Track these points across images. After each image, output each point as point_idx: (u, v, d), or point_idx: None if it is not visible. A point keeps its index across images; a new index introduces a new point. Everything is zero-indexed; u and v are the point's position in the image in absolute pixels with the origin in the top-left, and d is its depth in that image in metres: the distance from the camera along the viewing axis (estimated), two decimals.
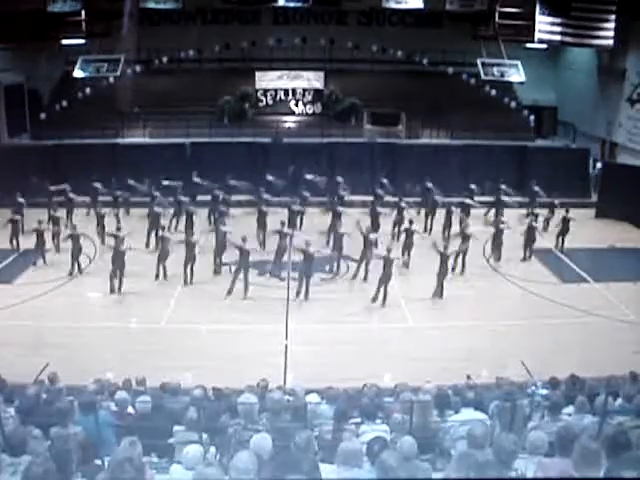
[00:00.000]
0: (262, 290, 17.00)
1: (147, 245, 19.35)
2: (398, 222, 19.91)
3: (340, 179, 22.21)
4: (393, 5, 26.98)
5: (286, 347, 13.93)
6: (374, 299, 16.08)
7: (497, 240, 18.50)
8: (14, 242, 18.98)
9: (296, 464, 4.92)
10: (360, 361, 13.02)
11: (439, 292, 16.32)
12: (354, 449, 5.03)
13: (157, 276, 17.31)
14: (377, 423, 6.84)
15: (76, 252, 17.55)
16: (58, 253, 18.73)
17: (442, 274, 16.30)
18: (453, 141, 26.55)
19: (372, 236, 17.78)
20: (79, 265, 17.67)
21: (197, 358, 13.04)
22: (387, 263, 15.82)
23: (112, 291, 16.42)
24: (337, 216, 19.42)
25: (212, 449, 6.24)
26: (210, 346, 13.92)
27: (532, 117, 27.47)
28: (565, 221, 19.42)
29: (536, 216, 20.36)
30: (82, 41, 25.73)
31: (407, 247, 18.20)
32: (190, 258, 17.00)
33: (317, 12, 29.00)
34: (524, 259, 19.03)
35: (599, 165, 25.60)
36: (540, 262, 18.97)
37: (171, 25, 28.26)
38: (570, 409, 7.33)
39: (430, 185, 21.56)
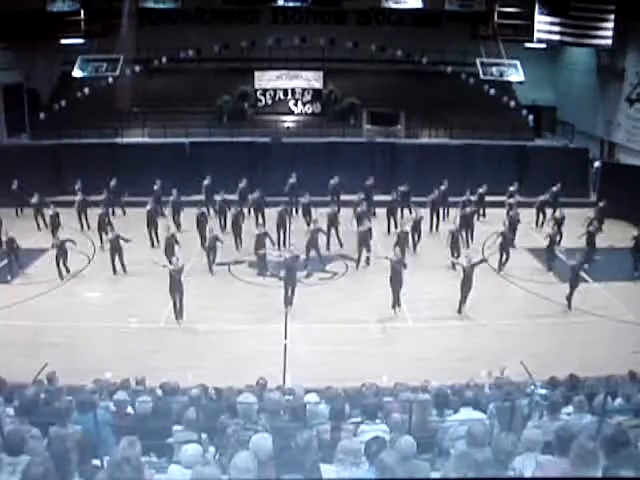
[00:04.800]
0: (261, 289, 17.03)
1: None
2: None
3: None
4: (392, 5, 27.01)
5: (285, 347, 13.93)
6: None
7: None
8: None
9: (297, 464, 4.92)
10: (359, 361, 13.03)
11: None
12: (353, 447, 5.03)
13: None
14: (376, 422, 6.83)
15: (116, 253, 17.59)
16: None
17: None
18: (452, 141, 26.55)
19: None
20: (123, 266, 17.68)
21: (196, 358, 13.06)
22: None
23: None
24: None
25: (211, 449, 6.22)
26: (209, 346, 13.92)
27: (531, 117, 27.48)
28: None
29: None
30: (81, 41, 25.82)
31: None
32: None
33: (316, 12, 29.01)
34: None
35: (598, 165, 25.59)
36: (539, 261, 18.96)
37: (170, 25, 28.17)
38: (569, 409, 7.33)
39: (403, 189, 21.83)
